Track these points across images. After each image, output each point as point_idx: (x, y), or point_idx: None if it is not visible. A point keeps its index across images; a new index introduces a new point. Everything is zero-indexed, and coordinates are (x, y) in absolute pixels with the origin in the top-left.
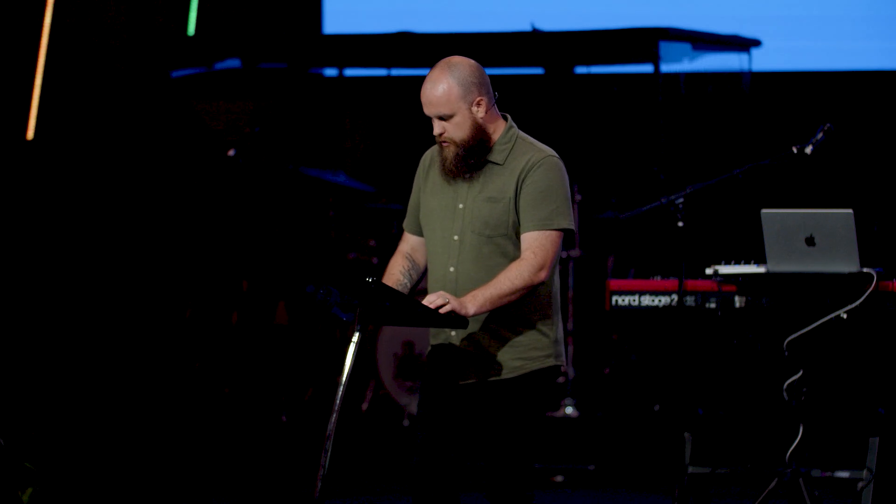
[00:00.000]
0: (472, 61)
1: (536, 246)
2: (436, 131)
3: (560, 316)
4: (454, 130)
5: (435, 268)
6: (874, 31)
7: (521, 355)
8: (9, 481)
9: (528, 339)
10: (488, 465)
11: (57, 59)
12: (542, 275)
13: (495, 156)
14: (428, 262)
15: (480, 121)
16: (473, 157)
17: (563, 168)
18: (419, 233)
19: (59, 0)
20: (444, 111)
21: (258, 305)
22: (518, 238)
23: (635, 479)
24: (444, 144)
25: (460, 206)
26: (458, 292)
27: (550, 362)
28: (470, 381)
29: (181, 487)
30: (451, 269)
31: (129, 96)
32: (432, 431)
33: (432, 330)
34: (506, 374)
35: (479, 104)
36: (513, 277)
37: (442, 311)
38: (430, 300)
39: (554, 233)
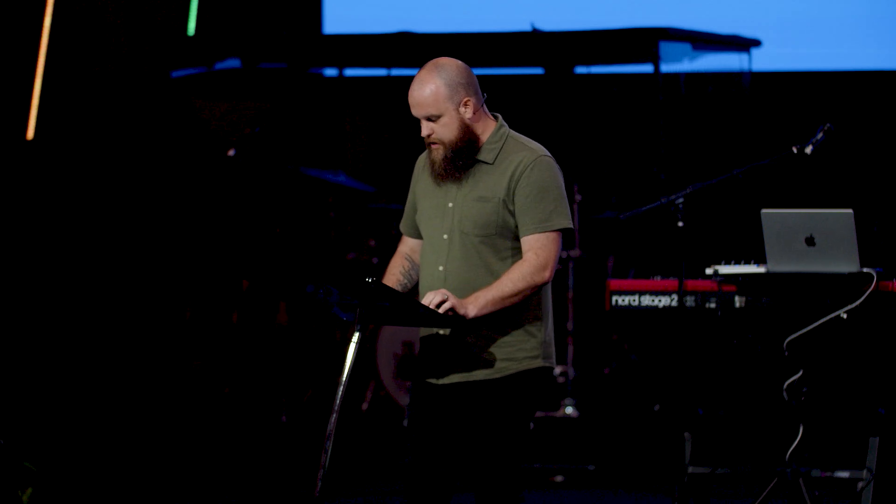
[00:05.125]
0: (460, 62)
1: (538, 247)
2: (424, 132)
3: (551, 317)
4: (442, 131)
5: (425, 267)
6: (875, 34)
7: (507, 356)
8: (9, 481)
9: (515, 339)
10: (476, 466)
11: (57, 59)
12: (546, 275)
13: (485, 155)
14: (420, 263)
15: (468, 121)
16: (462, 158)
17: (556, 166)
18: (416, 235)
19: (59, 0)
20: (432, 112)
21: (258, 305)
22: (506, 237)
23: (635, 479)
24: (433, 146)
25: (450, 205)
26: (448, 291)
27: (538, 363)
28: (456, 381)
29: (181, 487)
30: (441, 268)
31: (129, 96)
32: (422, 432)
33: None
34: (492, 375)
35: (466, 105)
36: (515, 279)
37: (441, 309)
38: (430, 298)
39: (554, 233)
